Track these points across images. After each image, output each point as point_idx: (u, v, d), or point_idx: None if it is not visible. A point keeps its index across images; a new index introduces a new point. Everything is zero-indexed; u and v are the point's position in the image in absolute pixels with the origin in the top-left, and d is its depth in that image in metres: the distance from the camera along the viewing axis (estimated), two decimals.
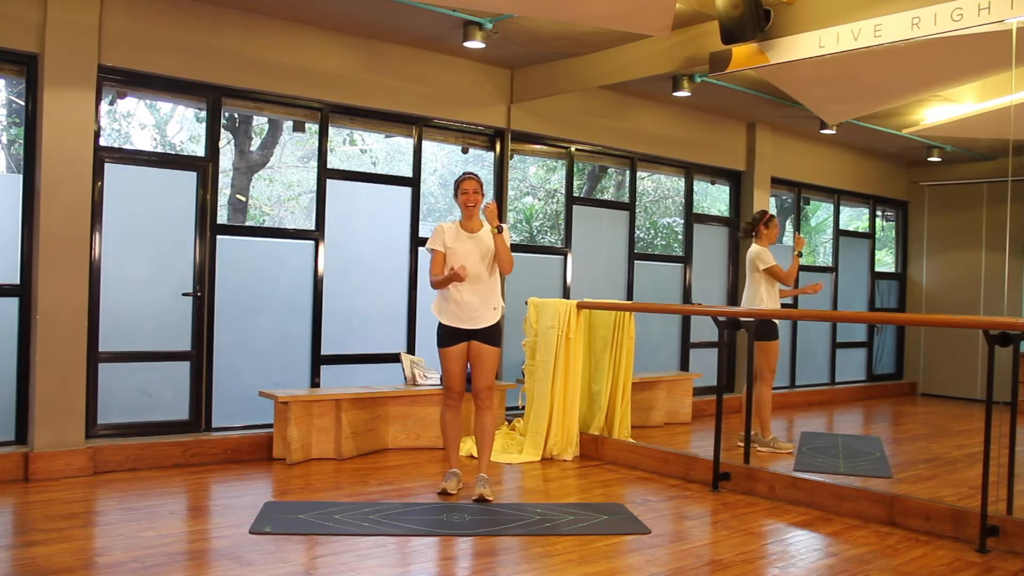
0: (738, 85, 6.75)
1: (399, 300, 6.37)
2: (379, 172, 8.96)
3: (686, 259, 8.19)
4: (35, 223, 4.78)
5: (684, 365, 8.07)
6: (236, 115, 8.20)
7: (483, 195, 4.65)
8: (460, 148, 6.86)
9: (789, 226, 9.96)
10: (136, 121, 9.24)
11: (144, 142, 9.37)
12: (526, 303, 6.11)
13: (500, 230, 4.51)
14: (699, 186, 9.04)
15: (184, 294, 5.43)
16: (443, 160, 10.22)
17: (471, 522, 4.09)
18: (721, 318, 5.22)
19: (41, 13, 4.73)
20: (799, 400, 8.84)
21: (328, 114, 5.97)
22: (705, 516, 4.50)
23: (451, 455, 4.75)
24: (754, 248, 6.14)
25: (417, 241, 6.37)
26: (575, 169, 7.45)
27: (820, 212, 11.36)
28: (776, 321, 6.07)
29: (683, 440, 6.63)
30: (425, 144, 6.48)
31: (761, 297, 6.07)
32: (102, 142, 5.14)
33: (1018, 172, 8.54)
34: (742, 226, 6.41)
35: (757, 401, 6.01)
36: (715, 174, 8.48)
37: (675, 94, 6.82)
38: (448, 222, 4.71)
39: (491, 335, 4.61)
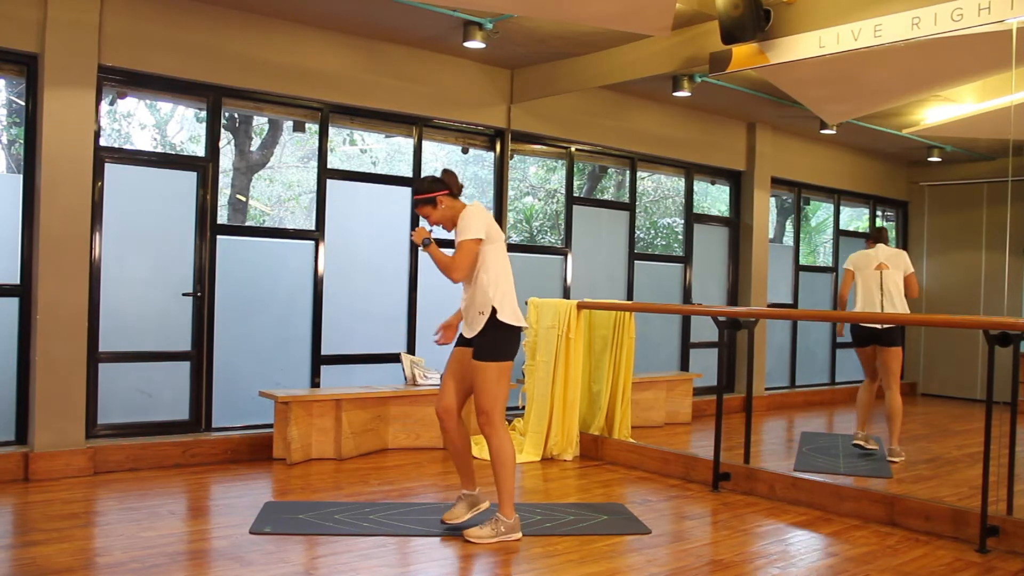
0: (738, 85, 6.75)
1: (399, 300, 6.37)
2: (379, 172, 8.97)
3: (686, 259, 8.19)
4: (35, 223, 4.78)
5: (684, 365, 8.07)
6: (236, 115, 8.20)
7: (433, 206, 3.94)
8: (460, 148, 6.86)
9: (789, 226, 9.96)
10: (136, 121, 9.24)
11: (144, 142, 9.37)
12: (526, 303, 6.11)
13: (427, 244, 3.92)
14: (699, 186, 9.04)
15: (184, 294, 5.43)
16: (443, 160, 10.20)
17: (471, 522, 4.08)
18: (721, 318, 5.22)
19: (41, 13, 4.73)
20: (799, 400, 8.85)
21: (328, 114, 5.97)
22: (705, 516, 4.50)
23: (459, 477, 4.13)
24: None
25: None
26: (575, 169, 7.45)
27: (820, 212, 11.36)
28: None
29: (683, 440, 6.63)
30: (425, 144, 6.48)
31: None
32: (102, 142, 5.14)
33: (1018, 172, 8.54)
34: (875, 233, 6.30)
35: (895, 409, 5.82)
36: (715, 174, 8.48)
37: (675, 94, 6.82)
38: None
39: (477, 345, 3.88)
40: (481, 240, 3.84)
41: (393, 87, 6.12)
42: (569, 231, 7.25)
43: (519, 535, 3.87)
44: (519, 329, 3.94)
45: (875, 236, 6.15)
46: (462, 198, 4.02)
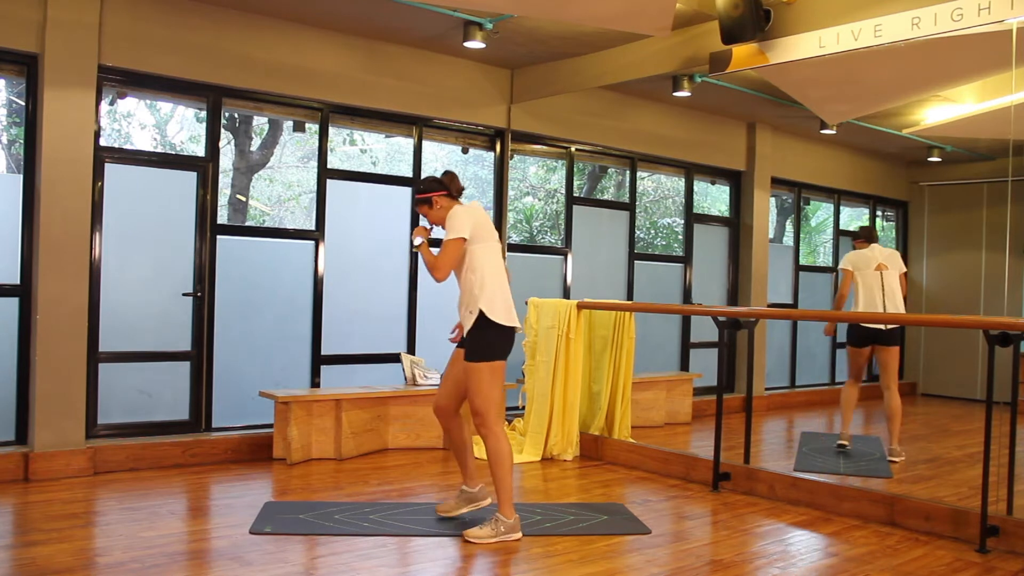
0: (738, 85, 6.75)
1: (399, 300, 6.37)
2: (379, 172, 8.97)
3: (686, 259, 8.19)
4: (35, 223, 4.78)
5: (684, 365, 8.07)
6: (236, 115, 8.20)
7: (429, 206, 4.02)
8: (460, 148, 6.86)
9: (789, 226, 9.96)
10: (136, 121, 9.24)
11: (144, 142, 9.37)
12: (526, 303, 6.11)
13: (417, 244, 4.01)
14: (699, 186, 9.04)
15: (184, 294, 5.44)
16: (443, 160, 10.21)
17: (471, 522, 4.08)
18: (721, 318, 5.22)
19: (41, 13, 4.73)
20: (799, 400, 8.85)
21: (328, 114, 5.97)
22: (705, 516, 4.50)
23: (460, 473, 4.24)
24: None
25: None
26: (575, 169, 7.45)
27: (820, 212, 11.36)
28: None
29: (683, 440, 6.63)
30: (425, 144, 6.48)
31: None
32: (102, 142, 5.15)
33: (1018, 172, 8.53)
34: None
35: (895, 409, 5.81)
36: (715, 174, 8.48)
37: (675, 94, 6.82)
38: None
39: (468, 345, 3.89)
40: (464, 240, 3.84)
41: (393, 87, 6.12)
42: (569, 231, 7.25)
43: (519, 535, 3.87)
44: (511, 329, 3.90)
45: (867, 236, 6.16)
46: (463, 200, 4.04)
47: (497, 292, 3.86)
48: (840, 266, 6.16)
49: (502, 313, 3.84)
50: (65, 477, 4.74)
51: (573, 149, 7.28)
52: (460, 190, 4.05)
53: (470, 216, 3.89)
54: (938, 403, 9.30)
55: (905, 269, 6.06)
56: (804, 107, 6.62)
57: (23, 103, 4.92)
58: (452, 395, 4.08)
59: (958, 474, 5.56)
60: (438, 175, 4.08)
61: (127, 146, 8.69)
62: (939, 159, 9.09)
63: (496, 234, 4.00)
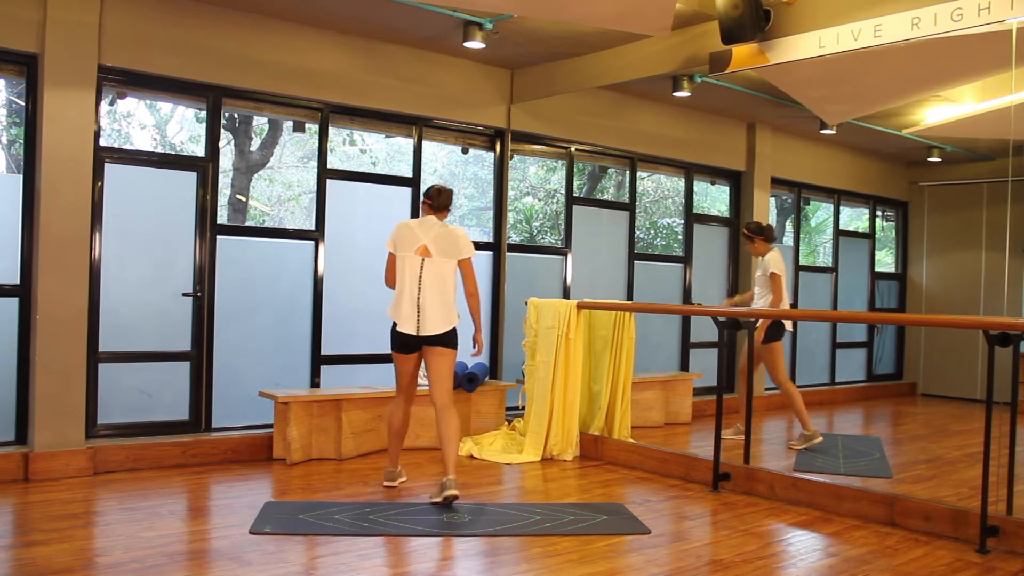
0: (738, 85, 6.75)
1: None
2: (379, 172, 8.96)
3: (686, 259, 8.19)
4: (35, 223, 4.78)
5: (684, 365, 8.07)
6: (236, 115, 8.20)
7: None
8: (460, 148, 6.86)
9: (789, 226, 9.96)
10: (136, 121, 9.24)
11: (144, 142, 9.37)
12: (526, 303, 6.11)
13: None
14: (699, 186, 9.04)
15: (184, 294, 5.44)
16: (443, 160, 10.22)
17: (471, 522, 4.09)
18: (721, 318, 5.22)
19: (41, 13, 4.73)
20: None
21: (328, 114, 5.97)
22: (705, 516, 4.50)
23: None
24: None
25: None
26: (575, 169, 7.45)
27: (820, 212, 11.36)
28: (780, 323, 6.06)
29: (683, 440, 6.63)
30: (425, 144, 6.48)
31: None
32: (102, 142, 5.14)
33: (1018, 172, 8.54)
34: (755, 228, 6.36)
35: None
36: (715, 174, 8.48)
37: (675, 94, 6.82)
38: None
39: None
40: (390, 251, 4.65)
41: (393, 87, 6.12)
42: (569, 231, 7.25)
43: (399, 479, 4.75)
44: (401, 332, 4.63)
45: (772, 236, 6.27)
46: (457, 220, 4.22)
47: (399, 296, 4.65)
48: (773, 270, 6.08)
49: (393, 313, 4.66)
50: (65, 477, 4.74)
51: (573, 149, 7.28)
52: (443, 206, 4.67)
53: (397, 230, 4.64)
54: (938, 403, 9.30)
55: None
56: (804, 107, 6.62)
57: (23, 103, 4.92)
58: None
59: (958, 474, 5.56)
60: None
61: (127, 146, 8.69)
62: (939, 159, 9.09)
63: (416, 244, 4.57)
